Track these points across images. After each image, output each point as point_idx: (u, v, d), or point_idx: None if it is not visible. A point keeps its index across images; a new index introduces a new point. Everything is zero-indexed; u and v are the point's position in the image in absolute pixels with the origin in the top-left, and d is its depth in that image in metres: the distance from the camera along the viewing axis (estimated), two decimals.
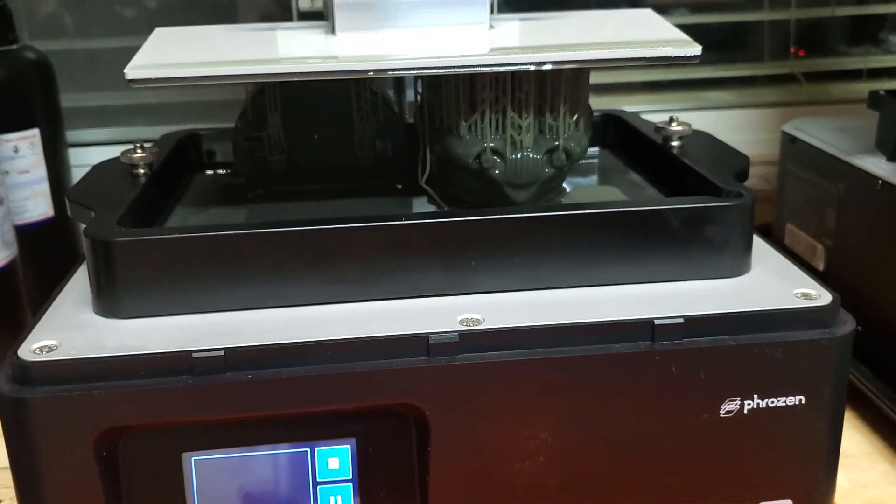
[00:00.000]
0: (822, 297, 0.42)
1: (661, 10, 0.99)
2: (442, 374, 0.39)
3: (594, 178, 0.58)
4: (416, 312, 0.41)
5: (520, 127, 0.46)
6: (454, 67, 0.41)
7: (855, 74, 0.97)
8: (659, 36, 0.45)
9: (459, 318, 0.40)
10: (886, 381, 0.61)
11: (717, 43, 0.99)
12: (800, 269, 0.45)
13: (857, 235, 0.65)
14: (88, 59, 0.87)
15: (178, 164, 0.58)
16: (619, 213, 0.42)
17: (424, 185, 0.51)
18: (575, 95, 0.47)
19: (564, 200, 0.52)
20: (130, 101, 0.89)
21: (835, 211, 0.67)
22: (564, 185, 0.53)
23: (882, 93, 0.66)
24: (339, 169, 0.54)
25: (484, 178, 0.47)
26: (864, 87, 0.92)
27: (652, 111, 0.94)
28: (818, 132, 0.71)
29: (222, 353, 0.38)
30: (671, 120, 0.53)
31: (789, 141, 0.74)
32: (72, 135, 0.80)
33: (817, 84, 0.97)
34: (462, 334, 0.39)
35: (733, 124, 0.93)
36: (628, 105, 0.96)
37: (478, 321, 0.40)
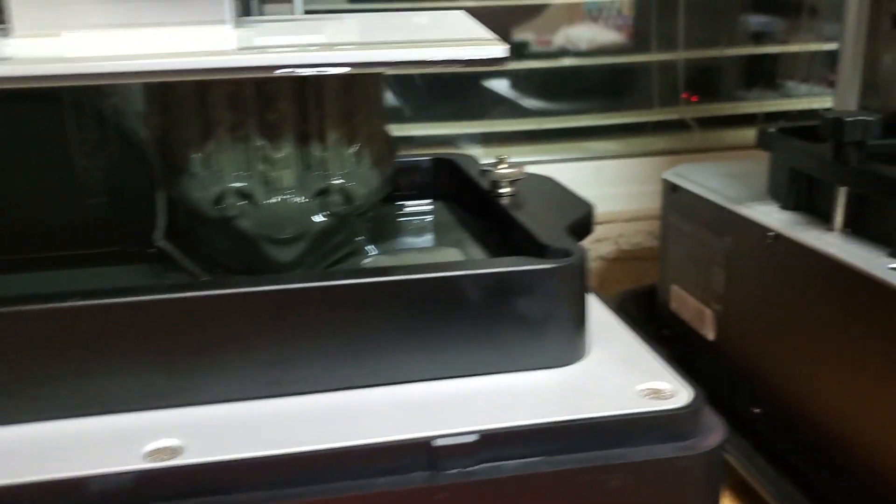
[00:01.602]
0: (678, 394, 0.29)
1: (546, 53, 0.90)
2: None
3: (420, 237, 0.45)
4: (80, 439, 0.27)
5: (273, 160, 0.33)
6: (149, 73, 0.28)
7: (750, 119, 0.88)
8: (464, 36, 0.34)
9: (147, 448, 0.27)
10: (790, 476, 0.49)
11: (605, 89, 0.90)
12: (654, 353, 0.33)
13: (750, 298, 0.54)
14: None
15: None
16: (393, 284, 0.29)
17: (162, 244, 0.37)
18: (355, 117, 0.34)
19: (363, 265, 0.39)
20: None
21: (723, 270, 0.56)
22: (372, 246, 0.40)
23: (773, 130, 0.56)
24: (62, 227, 0.40)
25: (231, 232, 0.34)
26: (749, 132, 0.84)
27: (532, 163, 0.83)
28: (702, 179, 0.61)
29: None
30: (499, 162, 0.41)
31: (670, 190, 0.63)
32: None
33: (710, 130, 0.88)
34: (146, 476, 0.25)
35: (619, 174, 0.83)
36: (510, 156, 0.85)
37: (175, 451, 0.27)
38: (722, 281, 0.56)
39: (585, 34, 0.90)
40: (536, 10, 0.88)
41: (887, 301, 0.40)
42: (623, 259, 0.82)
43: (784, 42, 0.91)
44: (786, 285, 0.50)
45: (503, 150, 0.86)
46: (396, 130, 0.84)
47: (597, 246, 0.81)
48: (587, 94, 0.89)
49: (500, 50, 0.30)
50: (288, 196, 0.34)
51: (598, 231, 0.81)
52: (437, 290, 0.30)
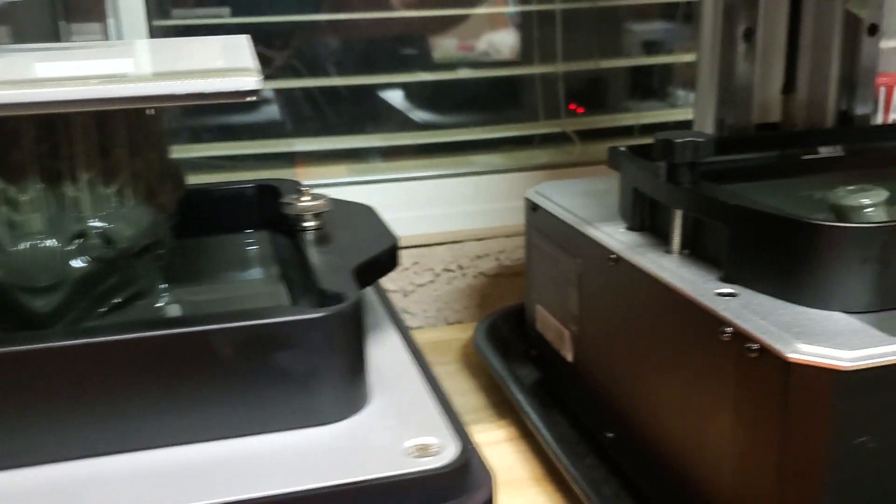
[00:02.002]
0: (445, 450, 0.27)
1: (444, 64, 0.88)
2: None
3: (228, 273, 0.42)
4: None
5: (18, 203, 0.30)
6: None
7: (630, 131, 0.88)
8: (222, 66, 0.31)
9: None
10: (636, 497, 0.48)
11: (496, 101, 0.89)
12: (437, 399, 0.31)
13: (600, 320, 0.52)
14: None
15: None
16: (129, 343, 0.27)
17: None
18: (113, 153, 0.31)
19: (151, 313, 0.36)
20: None
21: (576, 291, 0.55)
22: (165, 285, 0.37)
23: (622, 149, 0.54)
24: None
25: None
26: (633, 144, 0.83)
27: (416, 178, 0.81)
28: (561, 198, 0.59)
29: None
30: (300, 193, 0.38)
31: (531, 209, 0.62)
32: None
33: (591, 143, 0.87)
34: None
35: (500, 189, 0.82)
36: (388, 171, 0.83)
37: None
38: (576, 302, 0.55)
39: (507, 40, 0.89)
40: (460, 18, 0.86)
41: (712, 328, 0.39)
42: (505, 275, 0.80)
43: (671, 51, 0.91)
44: (628, 309, 0.48)
45: (387, 165, 0.84)
46: (274, 146, 0.82)
47: (478, 262, 0.79)
48: (477, 107, 0.88)
49: (249, 82, 0.28)
50: (38, 241, 0.31)
51: (479, 247, 0.79)
52: (184, 345, 0.27)
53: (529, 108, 0.88)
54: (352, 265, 0.32)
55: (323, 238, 0.36)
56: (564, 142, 0.87)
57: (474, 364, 0.67)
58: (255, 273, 0.39)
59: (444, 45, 0.87)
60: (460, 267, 0.78)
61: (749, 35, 0.57)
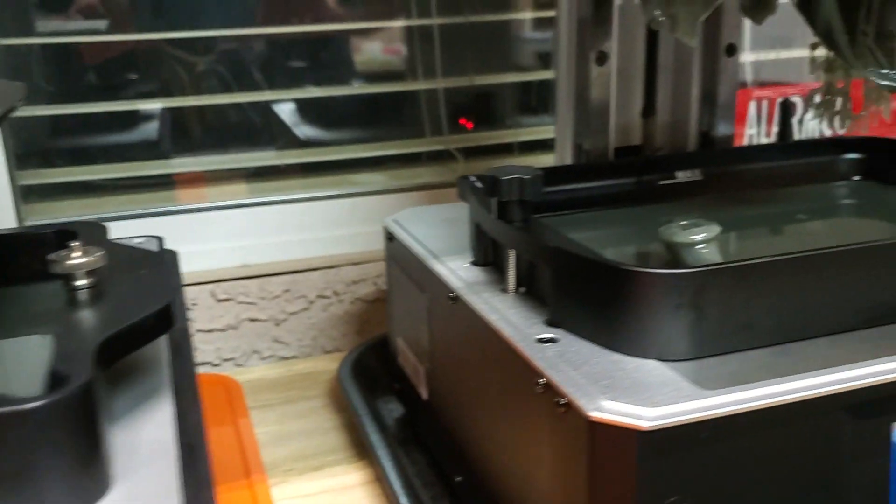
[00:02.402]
0: None
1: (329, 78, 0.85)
2: None
3: (13, 327, 0.38)
4: None
5: None
6: None
7: (510, 148, 0.86)
8: None
9: None
10: None
11: (382, 117, 0.86)
12: (181, 483, 0.28)
13: (447, 358, 0.50)
14: None
15: None
16: None
17: None
18: None
19: None
20: None
21: (426, 326, 0.53)
22: None
23: (472, 178, 0.52)
24: None
25: None
26: (514, 162, 0.81)
27: (288, 201, 0.78)
28: (417, 227, 0.57)
29: None
30: (68, 247, 0.34)
31: (388, 238, 0.59)
32: None
33: (475, 161, 0.85)
34: None
35: (377, 210, 0.79)
36: (265, 192, 0.80)
37: None
38: (427, 338, 0.53)
39: None
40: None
41: (529, 378, 0.37)
42: (383, 300, 0.78)
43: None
44: (467, 349, 0.46)
45: (270, 185, 0.81)
46: (150, 168, 0.78)
47: (355, 288, 0.76)
48: (365, 123, 0.85)
49: None
50: None
51: (356, 272, 0.76)
52: None
53: (417, 125, 0.86)
54: (98, 339, 0.29)
55: (93, 298, 0.33)
56: (451, 159, 0.85)
57: (342, 398, 0.65)
58: (24, 340, 0.35)
59: (370, 49, 0.84)
60: (336, 293, 0.76)
61: (602, 59, 0.56)
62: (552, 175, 0.53)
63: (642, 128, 0.60)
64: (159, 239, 0.49)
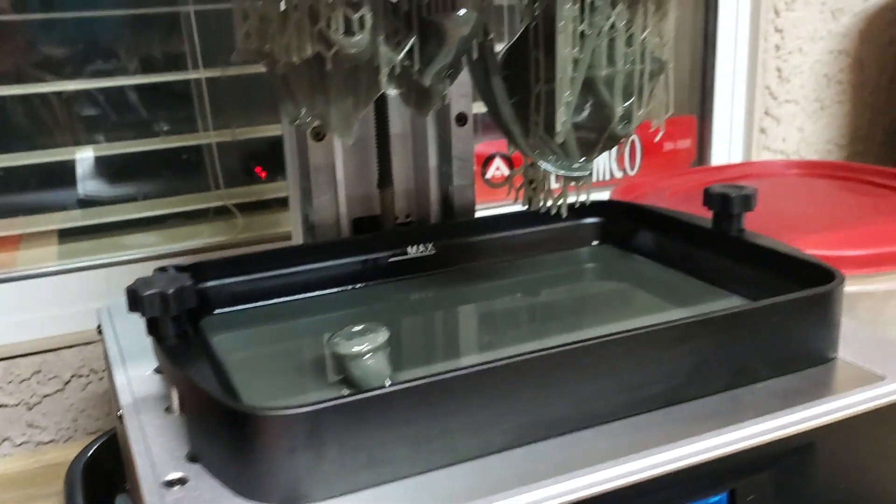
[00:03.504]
0: None
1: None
2: None
3: None
4: None
5: None
6: None
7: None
8: None
9: None
10: None
11: (168, 171, 0.81)
12: None
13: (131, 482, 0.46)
14: None
15: None
16: None
17: None
18: None
19: None
20: None
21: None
22: None
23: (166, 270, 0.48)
24: None
25: None
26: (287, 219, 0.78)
27: (38, 275, 0.72)
28: (132, 315, 0.53)
29: None
30: None
31: (98, 331, 0.55)
32: None
33: (256, 215, 0.81)
34: None
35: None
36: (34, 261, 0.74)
37: None
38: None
39: None
40: None
41: None
42: None
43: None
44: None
45: (36, 253, 0.75)
46: None
47: None
48: (152, 176, 0.80)
49: None
50: None
51: None
52: None
53: (202, 178, 0.81)
54: None
55: None
56: (230, 216, 0.81)
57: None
58: None
59: None
60: (94, 370, 0.71)
61: (319, 135, 0.53)
62: (256, 260, 0.50)
63: (380, 198, 0.57)
64: None
